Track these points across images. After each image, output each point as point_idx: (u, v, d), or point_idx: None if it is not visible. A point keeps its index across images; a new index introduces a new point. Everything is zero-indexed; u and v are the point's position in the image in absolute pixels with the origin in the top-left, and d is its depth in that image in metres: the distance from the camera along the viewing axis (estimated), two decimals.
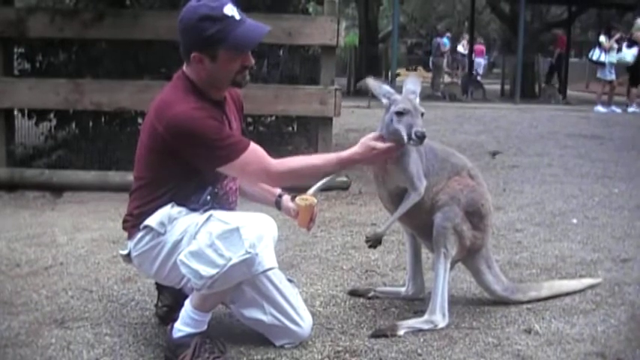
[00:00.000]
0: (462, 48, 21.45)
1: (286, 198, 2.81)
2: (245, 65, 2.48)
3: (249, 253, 2.27)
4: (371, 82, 2.75)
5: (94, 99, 5.43)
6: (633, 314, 2.98)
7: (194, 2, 2.41)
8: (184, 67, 2.51)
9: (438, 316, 2.78)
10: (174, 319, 2.48)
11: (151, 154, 2.48)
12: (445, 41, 21.38)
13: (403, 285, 3.18)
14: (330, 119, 5.56)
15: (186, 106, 2.38)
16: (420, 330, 2.74)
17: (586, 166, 6.88)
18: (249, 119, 6.35)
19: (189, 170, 2.46)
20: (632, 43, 13.72)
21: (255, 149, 2.46)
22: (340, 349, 2.59)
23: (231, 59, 2.44)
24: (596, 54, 14.21)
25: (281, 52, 6.82)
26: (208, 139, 2.37)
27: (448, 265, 2.82)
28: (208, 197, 2.50)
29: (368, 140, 2.61)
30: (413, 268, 3.12)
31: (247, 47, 2.46)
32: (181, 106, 2.38)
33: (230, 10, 2.40)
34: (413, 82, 2.76)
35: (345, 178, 5.47)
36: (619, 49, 14.15)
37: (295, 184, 2.68)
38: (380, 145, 2.60)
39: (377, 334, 2.71)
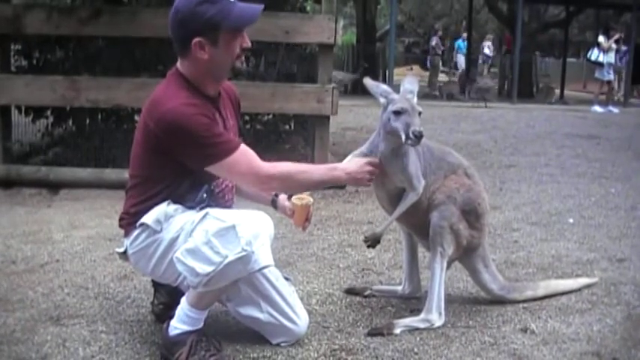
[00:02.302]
0: (487, 50, 21.47)
1: (282, 197, 2.81)
2: (243, 47, 2.49)
3: (246, 250, 2.26)
4: (368, 82, 2.76)
5: (90, 96, 5.42)
6: (629, 314, 2.98)
7: None
8: (178, 64, 2.51)
9: (435, 314, 2.78)
10: (171, 317, 2.47)
11: (145, 152, 2.48)
12: (460, 44, 21.38)
13: (400, 283, 3.18)
14: (327, 117, 5.56)
15: (177, 102, 2.38)
16: (417, 329, 2.75)
17: (583, 166, 6.90)
18: (246, 117, 6.36)
19: (184, 168, 2.45)
20: None
21: (245, 150, 2.45)
22: (336, 347, 2.59)
23: (232, 40, 2.44)
24: (594, 54, 14.23)
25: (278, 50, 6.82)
26: (197, 136, 2.36)
27: (445, 264, 2.82)
28: (204, 195, 2.50)
29: (356, 156, 2.72)
30: (409, 267, 3.12)
31: (247, 24, 2.46)
32: (172, 102, 2.38)
33: None
34: (410, 82, 2.76)
35: None
36: (617, 50, 14.20)
37: (284, 190, 2.69)
38: (366, 159, 2.68)
39: (373, 333, 2.71)
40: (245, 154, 2.45)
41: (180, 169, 2.45)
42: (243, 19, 2.44)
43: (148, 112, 2.44)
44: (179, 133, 2.35)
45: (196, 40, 2.40)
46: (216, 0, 2.39)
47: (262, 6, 2.49)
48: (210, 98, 2.52)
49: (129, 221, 2.52)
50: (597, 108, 13.85)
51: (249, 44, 2.52)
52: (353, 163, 2.66)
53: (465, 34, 22.01)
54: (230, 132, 2.57)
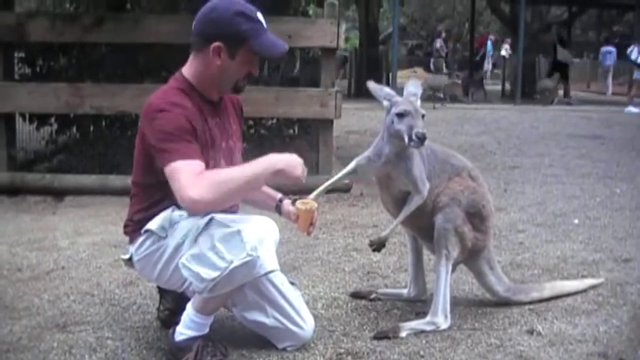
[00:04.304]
0: (504, 51, 21.53)
1: (286, 202, 2.80)
2: (251, 73, 2.51)
3: (251, 255, 2.27)
4: (372, 86, 2.76)
5: (94, 103, 5.43)
6: (635, 314, 2.98)
7: None
8: (184, 68, 2.52)
9: (440, 317, 2.78)
10: (176, 323, 2.48)
11: (144, 159, 2.47)
12: (489, 46, 21.44)
13: (405, 287, 3.17)
14: (331, 121, 5.57)
15: (165, 98, 2.39)
16: (423, 331, 2.74)
17: (587, 167, 6.88)
18: (250, 122, 6.36)
19: None
20: None
21: (188, 169, 2.26)
22: (342, 351, 2.59)
23: (247, 61, 2.46)
24: (634, 53, 14.11)
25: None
26: (159, 130, 2.33)
27: (450, 267, 2.82)
28: None
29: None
30: (415, 270, 3.12)
31: (270, 54, 2.48)
32: (159, 97, 2.40)
33: (261, 17, 2.44)
34: (414, 85, 2.77)
35: (346, 180, 5.46)
36: None
37: (228, 202, 2.47)
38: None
39: (379, 336, 2.71)
40: (184, 172, 2.26)
41: None
42: (268, 48, 2.45)
43: (143, 115, 2.45)
44: (147, 123, 2.36)
45: (217, 44, 2.41)
46: (253, 18, 2.42)
47: (287, 47, 2.49)
48: (211, 102, 2.53)
49: (133, 228, 2.53)
50: (632, 109, 13.67)
51: (257, 72, 2.54)
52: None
53: (491, 36, 22.04)
54: (230, 138, 2.58)
